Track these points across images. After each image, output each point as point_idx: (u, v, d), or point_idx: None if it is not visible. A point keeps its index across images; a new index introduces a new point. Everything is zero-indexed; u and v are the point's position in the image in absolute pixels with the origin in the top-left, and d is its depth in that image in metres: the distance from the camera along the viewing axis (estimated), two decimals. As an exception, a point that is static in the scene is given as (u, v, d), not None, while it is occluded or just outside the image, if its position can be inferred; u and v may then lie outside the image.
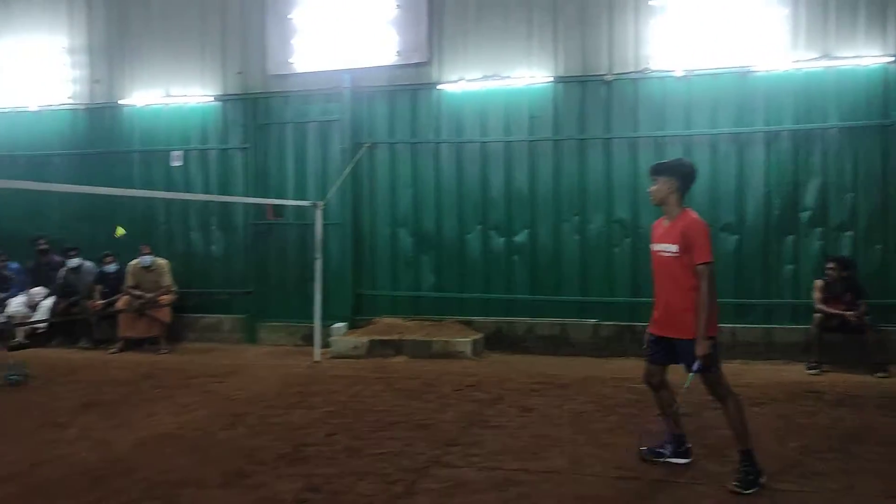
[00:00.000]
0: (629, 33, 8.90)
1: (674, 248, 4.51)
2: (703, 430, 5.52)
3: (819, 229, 8.47)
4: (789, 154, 8.52)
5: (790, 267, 8.54)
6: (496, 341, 9.17)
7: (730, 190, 8.66)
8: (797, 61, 8.44)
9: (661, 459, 4.80)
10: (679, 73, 8.72)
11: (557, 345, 9.00)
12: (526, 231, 9.24)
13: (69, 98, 10.85)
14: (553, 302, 9.15)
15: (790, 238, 8.54)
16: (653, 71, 8.81)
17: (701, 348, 4.39)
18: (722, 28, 8.61)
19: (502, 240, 9.30)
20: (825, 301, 7.91)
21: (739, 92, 8.60)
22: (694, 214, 4.62)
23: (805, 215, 8.50)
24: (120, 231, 10.02)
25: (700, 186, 8.66)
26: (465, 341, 8.75)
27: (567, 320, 9.01)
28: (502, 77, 9.28)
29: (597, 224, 9.04)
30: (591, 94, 9.02)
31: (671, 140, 8.80)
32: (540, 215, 9.21)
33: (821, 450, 5.08)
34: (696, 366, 4.42)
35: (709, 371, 4.47)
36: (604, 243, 9.03)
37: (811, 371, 7.77)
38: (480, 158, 9.38)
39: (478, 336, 8.99)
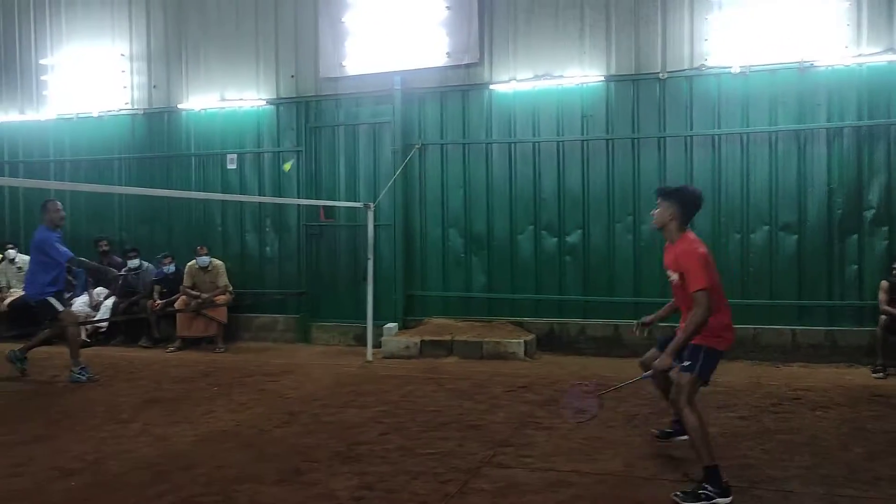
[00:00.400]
0: (683, 30, 8.75)
1: (675, 275, 4.54)
2: (762, 435, 5.40)
3: (884, 228, 8.19)
4: (852, 151, 8.26)
5: (854, 267, 8.28)
6: (548, 342, 9.12)
7: (790, 188, 8.45)
8: (859, 56, 8.18)
9: (673, 439, 5.08)
10: (736, 70, 8.53)
11: (610, 346, 8.90)
12: (578, 231, 9.16)
13: (128, 103, 11.15)
14: (606, 303, 9.05)
15: (854, 237, 8.28)
16: (708, 68, 8.65)
17: (663, 362, 4.40)
18: (780, 22, 8.40)
19: (554, 240, 9.23)
20: (890, 302, 7.66)
21: (799, 88, 8.38)
22: (689, 239, 4.52)
23: (869, 214, 8.24)
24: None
25: (759, 185, 8.52)
26: (516, 342, 8.71)
27: (620, 321, 8.89)
28: (554, 77, 9.21)
29: (650, 224, 8.89)
30: (645, 92, 8.90)
31: (728, 138, 8.63)
32: (593, 215, 9.12)
33: (886, 455, 4.91)
34: (683, 362, 4.40)
35: (689, 373, 4.34)
36: (658, 244, 8.88)
37: (876, 375, 7.52)
38: (532, 158, 9.33)
39: (529, 337, 8.94)
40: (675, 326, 4.92)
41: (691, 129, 8.74)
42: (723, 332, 4.45)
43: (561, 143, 9.22)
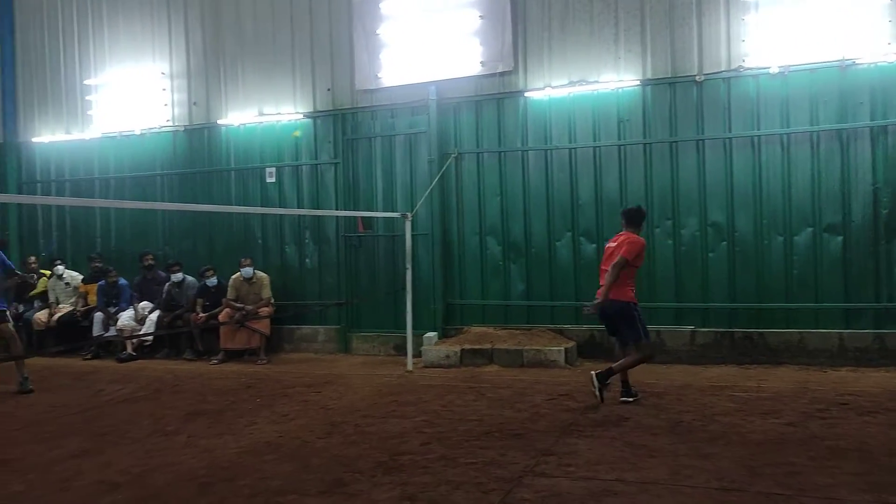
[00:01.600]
0: (720, 31, 8.65)
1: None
2: (809, 441, 5.28)
3: (933, 227, 7.99)
4: (898, 149, 8.08)
5: (902, 268, 8.08)
6: (589, 349, 9.05)
7: (833, 189, 8.28)
8: (904, 51, 8.00)
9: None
10: (774, 70, 8.40)
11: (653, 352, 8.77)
12: (617, 237, 9.08)
13: (169, 121, 11.38)
14: (647, 309, 8.89)
15: (901, 237, 8.09)
16: (746, 69, 8.53)
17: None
18: (819, 21, 8.26)
19: (593, 246, 9.17)
20: (942, 304, 7.45)
21: (841, 86, 8.22)
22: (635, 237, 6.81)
23: (917, 213, 8.04)
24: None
25: (801, 186, 8.37)
26: (557, 350, 8.66)
27: (662, 327, 8.79)
28: (589, 82, 9.17)
29: (690, 228, 8.80)
30: (682, 95, 8.81)
31: (768, 139, 8.49)
32: (631, 220, 9.02)
33: (942, 462, 4.77)
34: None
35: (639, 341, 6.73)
36: (698, 248, 8.78)
37: (929, 379, 7.32)
38: (569, 165, 9.29)
39: (570, 344, 8.88)
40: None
41: (730, 132, 8.62)
42: None
43: (597, 149, 9.16)
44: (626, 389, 6.75)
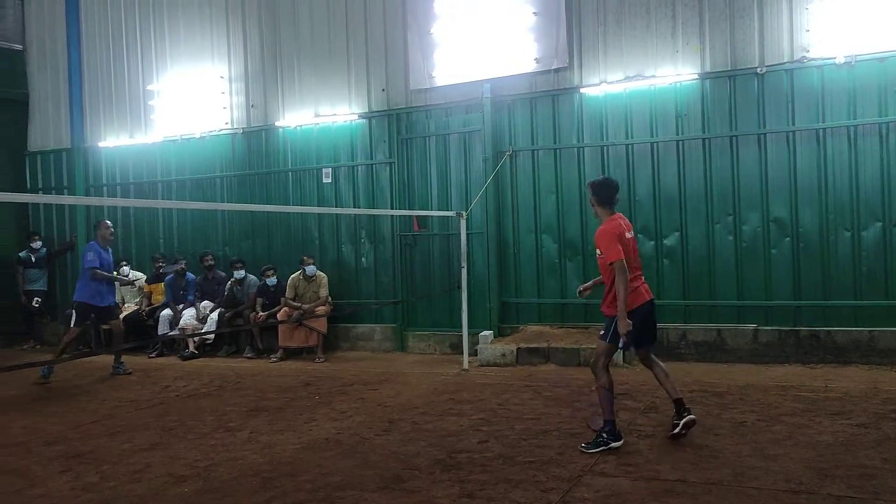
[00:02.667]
0: (782, 21, 8.41)
1: (598, 251, 5.48)
2: (882, 443, 5.10)
3: None
4: (974, 140, 7.74)
5: (979, 264, 7.75)
6: (647, 348, 8.90)
7: (904, 182, 7.98)
8: (979, 37, 7.67)
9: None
10: (840, 60, 8.12)
11: (713, 351, 8.61)
12: (676, 234, 8.93)
13: (228, 123, 11.61)
14: (707, 306, 8.77)
15: (978, 232, 7.75)
16: (810, 59, 8.28)
17: (622, 326, 5.24)
18: (887, 7, 7.95)
19: (651, 243, 9.03)
20: None
21: (911, 75, 7.92)
22: (607, 221, 5.51)
23: None
24: None
25: (869, 179, 8.09)
26: (614, 348, 8.54)
27: (723, 325, 8.60)
28: (646, 77, 9.03)
29: (752, 224, 8.58)
30: (742, 88, 8.60)
31: (834, 131, 8.22)
32: (690, 217, 8.87)
33: None
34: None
35: (603, 341, 5.54)
36: (760, 244, 8.56)
37: None
38: (625, 161, 9.16)
39: (627, 343, 8.75)
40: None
41: (793, 124, 8.38)
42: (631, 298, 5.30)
43: (655, 145, 9.02)
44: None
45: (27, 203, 13.10)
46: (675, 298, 8.92)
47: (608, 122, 9.25)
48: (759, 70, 8.49)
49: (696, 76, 8.79)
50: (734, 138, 8.64)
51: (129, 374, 9.33)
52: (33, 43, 13.22)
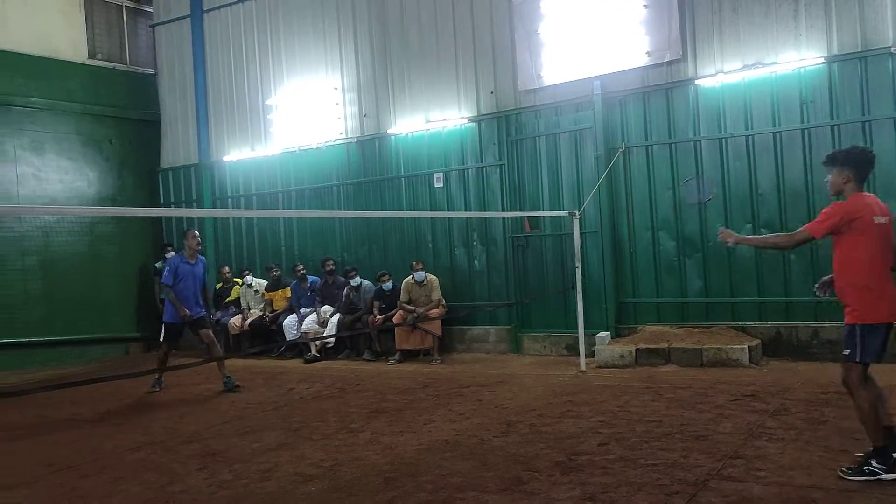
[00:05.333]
0: (917, -4, 7.85)
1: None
2: None
3: None
4: None
5: None
6: (775, 347, 8.51)
7: None
8: None
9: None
10: None
11: (848, 351, 8.09)
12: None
13: (343, 133, 11.95)
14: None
15: None
16: (951, 34, 7.68)
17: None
18: None
19: (776, 238, 8.61)
20: None
21: None
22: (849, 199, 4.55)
23: None
24: None
25: None
26: (740, 348, 8.21)
27: (862, 323, 8.07)
28: (766, 65, 8.63)
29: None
30: (874, 70, 8.07)
31: (981, 111, 7.59)
32: (819, 209, 8.29)
33: None
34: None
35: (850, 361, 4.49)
36: (899, 235, 7.99)
37: None
38: (746, 153, 8.80)
39: (754, 342, 8.39)
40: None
41: (933, 105, 7.80)
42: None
43: (778, 135, 8.60)
44: None
45: (161, 217, 13.98)
46: (804, 295, 8.45)
47: (726, 114, 8.91)
48: (893, 49, 7.95)
49: (822, 60, 8.32)
50: (866, 123, 8.13)
51: (238, 388, 8.78)
52: (164, 67, 14.08)
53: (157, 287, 12.91)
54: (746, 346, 8.21)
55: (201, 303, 9.12)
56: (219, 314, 12.33)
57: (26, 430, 7.38)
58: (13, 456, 6.45)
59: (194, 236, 9.09)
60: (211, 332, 9.20)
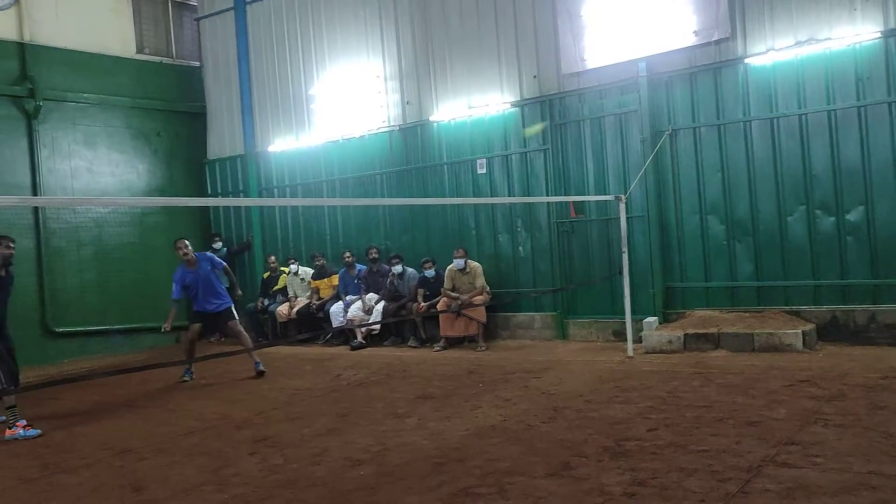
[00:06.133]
0: (981, -36, 7.51)
1: None
2: None
3: None
4: None
5: None
6: (831, 332, 8.28)
7: None
8: None
9: None
10: None
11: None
12: (860, 208, 8.21)
13: (385, 122, 11.95)
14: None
15: None
16: None
17: None
18: None
19: (831, 219, 8.37)
20: None
21: None
22: None
23: None
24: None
25: None
26: (794, 333, 8.01)
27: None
28: (819, 40, 8.36)
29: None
30: (935, 42, 7.77)
31: None
32: (877, 189, 8.13)
33: None
34: None
35: None
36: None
37: None
38: (798, 132, 8.55)
39: (808, 327, 8.18)
40: None
41: None
42: None
43: (832, 113, 8.34)
44: None
45: (209, 207, 14.21)
46: (862, 277, 8.22)
47: (777, 93, 8.67)
48: (953, 21, 7.64)
49: (879, 34, 8.03)
50: (926, 99, 7.83)
51: (262, 373, 8.99)
52: (209, 59, 14.26)
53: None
54: (800, 331, 8.01)
55: (221, 293, 9.27)
56: (266, 302, 12.50)
57: (85, 416, 7.60)
58: (74, 439, 6.65)
59: (178, 247, 9.10)
60: (238, 325, 9.37)
